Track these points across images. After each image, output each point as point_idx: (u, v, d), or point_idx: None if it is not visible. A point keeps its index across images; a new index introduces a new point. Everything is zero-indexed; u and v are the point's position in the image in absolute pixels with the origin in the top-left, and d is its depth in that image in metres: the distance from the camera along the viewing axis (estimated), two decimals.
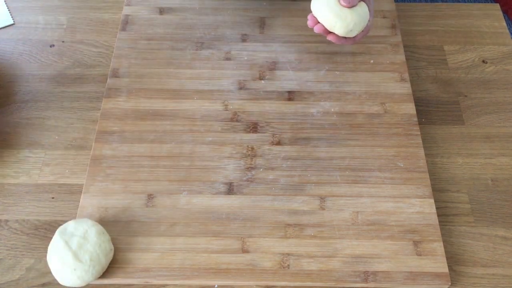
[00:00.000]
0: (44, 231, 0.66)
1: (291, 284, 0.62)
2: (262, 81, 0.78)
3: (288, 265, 0.62)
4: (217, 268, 0.62)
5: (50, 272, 0.62)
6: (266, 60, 0.80)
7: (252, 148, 0.71)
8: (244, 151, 0.71)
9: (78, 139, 0.74)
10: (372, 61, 0.80)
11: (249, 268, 0.62)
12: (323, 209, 0.66)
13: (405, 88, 0.77)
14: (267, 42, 0.82)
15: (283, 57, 0.81)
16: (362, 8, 0.69)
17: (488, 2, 1.17)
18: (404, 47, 0.83)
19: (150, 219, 0.65)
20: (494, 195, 0.70)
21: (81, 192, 0.67)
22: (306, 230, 0.65)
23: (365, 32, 0.72)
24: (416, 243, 0.64)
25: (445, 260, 0.62)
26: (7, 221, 0.67)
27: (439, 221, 0.66)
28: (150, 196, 0.67)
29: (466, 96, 0.80)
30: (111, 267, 0.61)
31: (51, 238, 0.62)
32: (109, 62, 0.82)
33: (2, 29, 0.86)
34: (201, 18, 0.85)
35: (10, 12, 0.88)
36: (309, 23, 0.71)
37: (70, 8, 0.89)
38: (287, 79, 0.78)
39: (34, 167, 0.71)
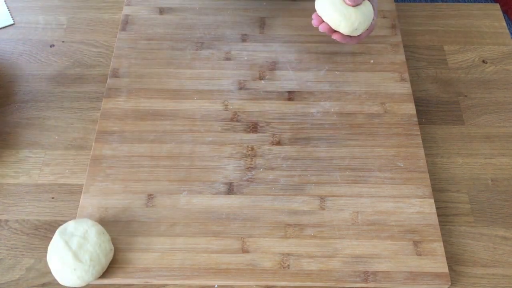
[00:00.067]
0: (44, 231, 0.66)
1: (291, 284, 0.62)
2: (262, 81, 0.78)
3: (288, 265, 0.62)
4: (217, 268, 0.62)
5: (50, 272, 0.62)
6: (266, 60, 0.80)
7: (252, 148, 0.71)
8: (244, 151, 0.71)
9: (78, 139, 0.74)
10: (372, 61, 0.80)
11: (249, 268, 0.62)
12: (323, 209, 0.66)
13: (405, 88, 0.77)
14: (267, 42, 0.82)
15: (283, 57, 0.81)
16: (367, 7, 0.69)
17: (488, 2, 1.17)
18: (404, 47, 0.83)
19: (150, 219, 0.65)
20: (494, 195, 0.70)
21: (81, 192, 0.67)
22: (306, 230, 0.65)
23: (369, 31, 0.72)
24: (416, 243, 0.64)
25: (445, 260, 0.62)
26: (7, 221, 0.67)
27: (439, 221, 0.66)
28: (150, 196, 0.67)
29: (466, 96, 0.80)
30: (111, 267, 0.61)
31: (51, 238, 0.62)
32: (109, 62, 0.82)
33: (2, 29, 0.86)
34: (201, 18, 0.85)
35: (10, 12, 0.88)
36: (314, 22, 0.70)
37: (70, 8, 0.89)
38: (287, 79, 0.78)
39: (34, 167, 0.71)
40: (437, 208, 0.67)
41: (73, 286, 0.60)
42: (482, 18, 0.89)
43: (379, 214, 0.66)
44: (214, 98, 0.76)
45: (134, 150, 0.71)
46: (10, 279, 0.63)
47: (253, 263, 0.62)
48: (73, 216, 0.67)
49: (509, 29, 1.10)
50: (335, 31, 0.70)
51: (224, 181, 0.68)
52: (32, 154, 0.73)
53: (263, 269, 0.62)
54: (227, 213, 0.66)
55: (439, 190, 0.70)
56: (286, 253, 0.63)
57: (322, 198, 0.67)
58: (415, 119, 0.74)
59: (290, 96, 0.76)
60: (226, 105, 0.75)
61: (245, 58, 0.81)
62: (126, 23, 0.84)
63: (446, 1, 1.18)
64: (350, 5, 0.68)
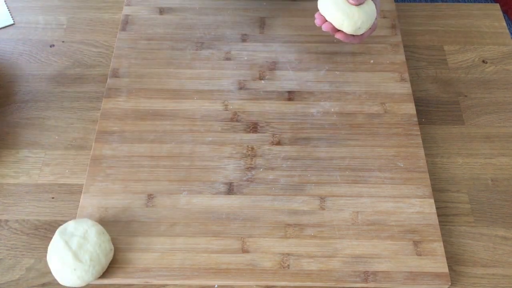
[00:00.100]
0: (44, 231, 0.66)
1: (291, 284, 0.62)
2: (262, 81, 0.78)
3: (288, 265, 0.62)
4: (217, 268, 0.62)
5: (50, 272, 0.62)
6: (266, 60, 0.80)
7: (252, 148, 0.71)
8: (244, 151, 0.71)
9: (78, 139, 0.74)
10: (372, 61, 0.80)
11: (249, 268, 0.62)
12: (323, 209, 0.66)
13: (405, 88, 0.77)
14: (267, 42, 0.82)
15: (283, 57, 0.81)
16: (369, 6, 0.69)
17: (488, 2, 1.17)
18: (404, 47, 0.83)
19: (150, 219, 0.65)
20: (494, 195, 0.70)
21: (81, 192, 0.67)
22: (306, 230, 0.65)
23: (372, 30, 0.72)
24: (416, 243, 0.64)
25: (445, 260, 0.62)
26: (7, 221, 0.67)
27: (439, 221, 0.66)
28: (150, 196, 0.67)
29: (466, 96, 0.80)
30: (111, 267, 0.61)
31: (51, 238, 0.62)
32: (109, 62, 0.82)
33: (2, 29, 0.86)
34: (201, 18, 0.85)
35: (10, 12, 0.88)
36: (317, 21, 0.70)
37: (70, 8, 0.89)
38: (287, 79, 0.78)
39: (34, 167, 0.71)
40: (437, 208, 0.67)
41: (73, 286, 0.60)
42: (482, 18, 0.89)
43: (379, 214, 0.66)
44: (214, 98, 0.76)
45: (134, 150, 0.71)
46: (10, 279, 0.63)
47: (253, 263, 0.62)
48: (73, 216, 0.67)
49: (509, 29, 1.10)
50: (338, 30, 0.70)
51: (224, 181, 0.68)
52: (32, 154, 0.73)
53: (263, 269, 0.62)
54: (227, 213, 0.66)
55: (439, 190, 0.70)
56: (286, 253, 0.63)
57: (322, 198, 0.67)
58: (415, 119, 0.74)
59: (290, 96, 0.76)
60: (226, 105, 0.75)
61: (245, 58, 0.81)
62: (126, 23, 0.84)
63: (446, 1, 1.18)
64: (353, 4, 0.68)
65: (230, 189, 0.68)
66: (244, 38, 0.83)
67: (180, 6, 0.87)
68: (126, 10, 0.86)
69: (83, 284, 0.60)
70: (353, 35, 0.70)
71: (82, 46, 0.84)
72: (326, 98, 0.76)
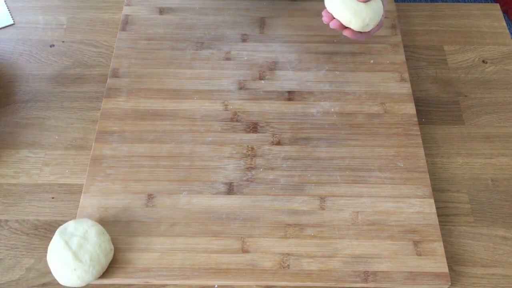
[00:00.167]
0: (44, 231, 0.66)
1: (291, 284, 0.62)
2: (262, 81, 0.78)
3: (288, 265, 0.62)
4: (217, 268, 0.62)
5: (50, 272, 0.62)
6: (266, 60, 0.80)
7: (252, 148, 0.71)
8: (244, 151, 0.71)
9: (78, 139, 0.74)
10: (372, 61, 0.80)
11: (249, 268, 0.62)
12: (323, 209, 0.66)
13: (405, 88, 0.77)
14: (267, 42, 0.82)
15: (283, 57, 0.81)
16: (376, 3, 0.69)
17: (488, 2, 1.17)
18: (404, 47, 0.83)
19: (150, 219, 0.65)
20: (494, 195, 0.70)
21: (81, 192, 0.67)
22: (306, 230, 0.65)
23: (379, 27, 0.71)
24: (416, 243, 0.64)
25: (445, 260, 0.62)
26: (7, 221, 0.67)
27: (439, 221, 0.66)
28: (150, 196, 0.67)
29: (466, 96, 0.80)
30: (111, 267, 0.61)
31: (51, 238, 0.62)
32: (109, 62, 0.82)
33: (2, 29, 0.86)
34: (201, 18, 0.85)
35: (10, 12, 0.88)
36: (324, 19, 0.70)
37: (70, 8, 0.89)
38: (287, 79, 0.78)
39: (34, 167, 0.71)
40: (437, 208, 0.67)
41: (73, 286, 0.60)
42: (482, 18, 0.89)
43: (379, 214, 0.66)
44: (214, 98, 0.76)
45: (134, 150, 0.71)
46: (10, 279, 0.63)
47: (253, 263, 0.62)
48: (73, 216, 0.67)
49: (509, 29, 1.10)
50: (346, 28, 0.70)
51: (224, 181, 0.68)
52: (32, 154, 0.73)
53: (263, 269, 0.62)
54: (227, 213, 0.66)
55: (439, 190, 0.70)
56: (286, 253, 0.63)
57: (322, 198, 0.67)
58: (415, 119, 0.74)
59: (290, 96, 0.76)
60: (226, 105, 0.75)
61: (245, 58, 0.81)
62: (126, 23, 0.84)
63: (446, 1, 1.18)
64: (361, 1, 0.67)
65: (230, 189, 0.68)
66: (244, 38, 0.83)
67: (180, 6, 0.87)
68: (126, 10, 0.86)
69: (83, 284, 0.60)
70: (360, 32, 0.70)
71: (82, 46, 0.84)
72: (326, 98, 0.76)
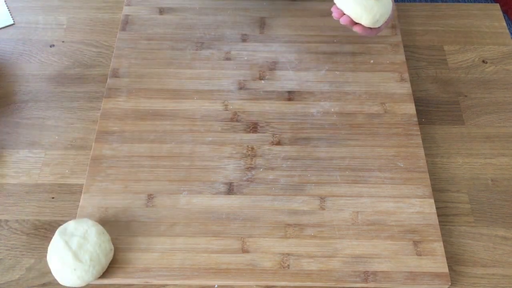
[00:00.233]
0: (44, 231, 0.66)
1: (291, 284, 0.62)
2: (262, 81, 0.78)
3: (288, 265, 0.62)
4: (217, 268, 0.62)
5: (50, 272, 0.62)
6: (266, 60, 0.80)
7: (252, 148, 0.71)
8: (244, 151, 0.71)
9: (78, 139, 0.74)
10: (372, 61, 0.80)
11: (249, 268, 0.62)
12: (323, 209, 0.66)
13: (405, 88, 0.77)
14: (267, 42, 0.82)
15: (283, 57, 0.81)
16: None
17: (488, 2, 1.17)
18: (404, 47, 0.83)
19: (150, 219, 0.65)
20: (494, 195, 0.70)
21: (81, 192, 0.67)
22: (306, 230, 0.65)
23: (387, 23, 0.71)
24: (416, 243, 0.64)
25: (445, 260, 0.62)
26: (7, 221, 0.67)
27: (439, 221, 0.66)
28: (150, 196, 0.67)
29: (466, 96, 0.80)
30: (111, 267, 0.61)
31: (51, 238, 0.62)
32: (109, 62, 0.82)
33: (2, 29, 0.86)
34: (201, 18, 0.85)
35: (10, 12, 0.88)
36: (334, 15, 0.70)
37: (70, 8, 0.89)
38: (287, 79, 0.78)
39: (34, 167, 0.71)
40: (437, 208, 0.67)
41: (73, 286, 0.60)
42: (482, 18, 0.89)
43: (379, 214, 0.66)
44: (214, 98, 0.76)
45: (134, 150, 0.71)
46: (10, 279, 0.63)
47: (253, 263, 0.62)
48: (73, 216, 0.67)
49: (509, 29, 1.10)
50: (356, 24, 0.70)
51: (224, 181, 0.68)
52: (32, 154, 0.73)
53: (263, 269, 0.62)
54: (227, 213, 0.66)
55: (439, 190, 0.70)
56: (286, 253, 0.63)
57: (322, 198, 0.67)
58: (415, 119, 0.74)
59: (290, 96, 0.76)
60: (226, 105, 0.75)
61: (245, 58, 0.81)
62: (126, 23, 0.84)
63: (446, 1, 1.18)
64: None
65: (230, 189, 0.68)
66: (244, 38, 0.83)
67: (180, 6, 0.87)
68: (126, 10, 0.86)
69: (83, 284, 0.60)
70: (370, 28, 0.70)
71: (82, 46, 0.84)
72: (326, 98, 0.76)
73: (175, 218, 0.65)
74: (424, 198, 0.67)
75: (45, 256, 0.63)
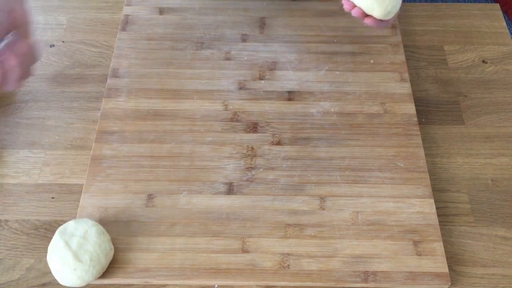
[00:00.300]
0: (44, 231, 0.66)
1: (291, 284, 0.62)
2: (262, 81, 0.78)
3: (288, 265, 0.62)
4: (217, 268, 0.62)
5: (50, 272, 0.62)
6: (266, 60, 0.80)
7: (252, 148, 0.71)
8: (244, 151, 0.71)
9: (78, 139, 0.74)
10: (372, 61, 0.80)
11: (249, 268, 0.62)
12: (323, 209, 0.66)
13: (405, 88, 0.77)
14: (267, 42, 0.82)
15: (283, 57, 0.81)
16: None
17: (488, 2, 1.17)
18: (404, 47, 0.83)
19: (150, 219, 0.65)
20: (494, 195, 0.70)
21: (81, 192, 0.67)
22: (306, 230, 0.65)
23: (396, 15, 0.71)
24: (416, 243, 0.64)
25: (445, 260, 0.62)
26: (7, 221, 0.67)
27: (439, 221, 0.66)
28: (150, 196, 0.67)
29: (466, 96, 0.80)
30: (111, 267, 0.61)
31: (51, 238, 0.62)
32: (109, 62, 0.82)
33: None
34: (201, 18, 0.85)
35: None
36: (346, 7, 0.70)
37: (70, 8, 0.89)
38: (287, 79, 0.78)
39: (34, 167, 0.71)
40: (437, 208, 0.67)
41: (73, 286, 0.60)
42: (482, 18, 0.89)
43: (379, 214, 0.66)
44: (214, 98, 0.76)
45: (134, 150, 0.71)
46: (10, 279, 0.63)
47: (253, 263, 0.62)
48: (73, 216, 0.67)
49: (509, 29, 1.10)
50: (367, 16, 0.70)
51: (224, 181, 0.68)
52: (32, 154, 0.73)
53: (263, 269, 0.62)
54: (227, 213, 0.66)
55: (439, 190, 0.70)
56: (286, 253, 0.63)
57: (322, 198, 0.67)
58: (415, 119, 0.74)
59: (290, 96, 0.76)
60: (226, 105, 0.75)
61: (245, 58, 0.81)
62: (126, 23, 0.84)
63: (446, 1, 1.18)
64: None
65: (230, 189, 0.68)
66: (244, 38, 0.83)
67: (180, 6, 0.87)
68: (126, 10, 0.86)
69: (83, 284, 0.60)
70: (381, 20, 0.70)
71: (82, 46, 0.84)
72: (326, 98, 0.76)
73: (175, 218, 0.65)
74: (424, 198, 0.67)
75: (45, 256, 0.63)
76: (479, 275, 0.64)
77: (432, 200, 0.67)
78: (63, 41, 0.85)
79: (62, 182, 0.70)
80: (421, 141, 0.72)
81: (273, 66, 0.80)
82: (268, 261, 0.62)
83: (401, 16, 0.89)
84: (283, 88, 0.77)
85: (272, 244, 0.64)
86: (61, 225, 0.62)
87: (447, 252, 0.65)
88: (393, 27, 0.84)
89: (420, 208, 0.66)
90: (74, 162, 0.72)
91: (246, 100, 0.76)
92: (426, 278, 0.61)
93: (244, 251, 0.63)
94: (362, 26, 0.84)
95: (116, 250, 0.63)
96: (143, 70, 0.79)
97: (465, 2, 1.16)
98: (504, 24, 0.88)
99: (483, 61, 0.84)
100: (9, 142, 0.74)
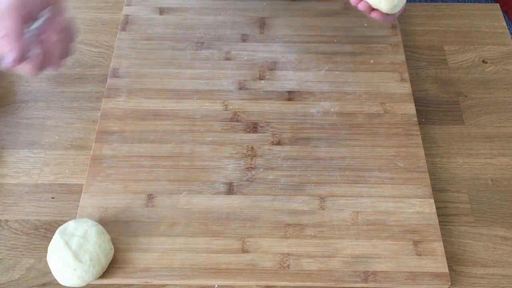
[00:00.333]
0: (44, 231, 0.66)
1: (291, 284, 0.62)
2: (262, 81, 0.78)
3: (288, 265, 0.62)
4: (217, 268, 0.62)
5: (50, 272, 0.62)
6: (266, 60, 0.80)
7: (252, 148, 0.71)
8: (244, 151, 0.71)
9: (78, 139, 0.74)
10: (372, 61, 0.80)
11: (249, 268, 0.62)
12: (323, 209, 0.66)
13: (405, 88, 0.77)
14: (267, 42, 0.82)
15: (283, 57, 0.81)
16: None
17: (488, 2, 1.17)
18: (404, 47, 0.83)
19: (150, 219, 0.65)
20: (494, 195, 0.70)
21: (81, 192, 0.67)
22: (306, 230, 0.65)
23: (402, 9, 0.71)
24: (416, 243, 0.64)
25: (445, 260, 0.62)
26: (7, 221, 0.67)
27: (439, 221, 0.66)
28: (150, 196, 0.67)
29: (466, 96, 0.80)
30: (111, 267, 0.61)
31: (51, 238, 0.62)
32: (109, 62, 0.81)
33: None
34: (201, 18, 0.85)
35: None
36: (353, 0, 0.70)
37: (70, 8, 0.89)
38: (287, 79, 0.78)
39: (34, 167, 0.71)
40: (437, 208, 0.67)
41: (73, 286, 0.60)
42: (482, 18, 0.89)
43: (379, 214, 0.66)
44: (214, 98, 0.76)
45: (134, 150, 0.71)
46: (10, 279, 0.63)
47: (253, 263, 0.62)
48: (73, 216, 0.67)
49: (509, 29, 1.10)
50: (374, 10, 0.69)
51: (224, 181, 0.68)
52: (32, 154, 0.73)
53: (263, 269, 0.62)
54: (227, 213, 0.66)
55: (439, 190, 0.70)
56: (286, 253, 0.63)
57: (322, 198, 0.67)
58: (415, 119, 0.74)
59: (290, 96, 0.76)
60: (226, 105, 0.75)
61: (245, 58, 0.81)
62: (126, 23, 0.84)
63: (446, 1, 1.18)
64: None
65: (230, 189, 0.68)
66: (244, 38, 0.83)
67: (180, 6, 0.87)
68: (126, 10, 0.86)
69: (83, 284, 0.60)
70: (387, 14, 0.70)
71: (82, 46, 0.84)
72: (326, 98, 0.76)
73: (175, 218, 0.65)
74: (424, 198, 0.67)
75: (45, 256, 0.63)
76: (479, 275, 0.64)
77: (432, 200, 0.67)
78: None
79: (62, 182, 0.70)
80: (421, 141, 0.72)
81: (273, 66, 0.80)
82: (268, 261, 0.62)
83: (401, 16, 0.88)
84: (283, 88, 0.77)
85: (272, 244, 0.64)
86: (61, 225, 0.62)
87: (447, 252, 0.65)
88: (393, 27, 0.84)
89: (420, 208, 0.66)
90: (74, 162, 0.72)
91: (246, 100, 0.76)
92: (426, 278, 0.61)
93: (244, 251, 0.63)
94: (362, 26, 0.84)
95: (116, 250, 0.63)
96: (143, 70, 0.79)
97: (465, 2, 1.16)
98: (504, 24, 0.88)
99: (483, 61, 0.84)
100: (9, 142, 0.74)
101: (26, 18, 0.54)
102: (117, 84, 0.77)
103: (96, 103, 0.78)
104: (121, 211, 0.66)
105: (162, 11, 0.86)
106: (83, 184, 0.68)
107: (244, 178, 0.69)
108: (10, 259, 0.64)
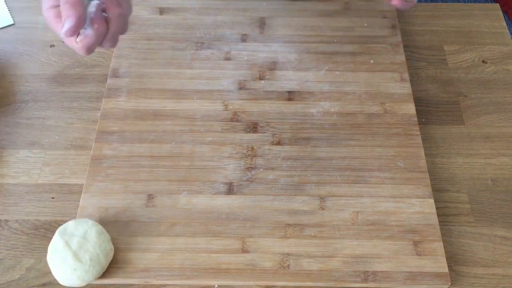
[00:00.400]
0: (44, 231, 0.66)
1: (291, 284, 0.62)
2: (262, 81, 0.78)
3: (288, 265, 0.62)
4: (217, 268, 0.62)
5: (50, 272, 0.62)
6: (266, 60, 0.80)
7: (252, 148, 0.71)
8: (244, 151, 0.71)
9: (78, 139, 0.74)
10: (372, 61, 0.80)
11: (249, 268, 0.62)
12: (323, 209, 0.66)
13: (405, 88, 0.77)
14: (267, 42, 0.82)
15: (283, 57, 0.81)
16: None
17: (488, 2, 1.17)
18: (404, 47, 0.83)
19: (150, 219, 0.65)
20: (494, 195, 0.70)
21: (81, 192, 0.67)
22: (306, 230, 0.65)
23: None
24: (416, 243, 0.64)
25: (445, 260, 0.62)
26: (7, 221, 0.67)
27: (439, 221, 0.66)
28: (150, 196, 0.67)
29: (466, 96, 0.80)
30: (111, 267, 0.61)
31: (51, 238, 0.62)
32: (109, 62, 0.81)
33: (2, 29, 0.86)
34: (201, 18, 0.85)
35: (10, 12, 0.88)
36: None
37: None
38: (287, 79, 0.78)
39: (34, 167, 0.71)
40: (437, 208, 0.67)
41: (73, 286, 0.60)
42: (482, 18, 0.89)
43: (379, 214, 0.66)
44: (214, 98, 0.76)
45: (134, 150, 0.71)
46: (10, 279, 0.63)
47: (253, 263, 0.62)
48: (73, 216, 0.67)
49: (509, 29, 1.10)
50: None
51: (224, 181, 0.68)
52: (32, 154, 0.73)
53: (263, 269, 0.62)
54: (227, 213, 0.66)
55: (439, 190, 0.70)
56: (286, 253, 0.63)
57: (322, 198, 0.67)
58: (415, 119, 0.74)
59: (290, 96, 0.76)
60: (226, 105, 0.75)
61: (245, 58, 0.81)
62: None
63: (446, 1, 1.18)
64: None
65: (230, 189, 0.68)
66: (244, 38, 0.83)
67: (180, 6, 0.87)
68: None
69: (83, 284, 0.60)
70: (407, 1, 0.70)
71: None
72: (326, 98, 0.76)
73: (175, 218, 0.65)
74: (424, 198, 0.67)
75: (45, 256, 0.63)
76: (479, 275, 0.64)
77: (432, 200, 0.67)
78: (63, 41, 0.85)
79: (62, 182, 0.70)
80: (421, 141, 0.72)
81: (273, 66, 0.80)
82: (268, 261, 0.62)
83: (401, 16, 0.89)
84: (283, 88, 0.77)
85: (272, 244, 0.64)
86: (61, 225, 0.62)
87: (447, 252, 0.65)
88: (393, 27, 0.84)
89: (420, 208, 0.66)
90: (74, 162, 0.72)
91: (246, 100, 0.76)
92: (426, 278, 0.61)
93: (244, 251, 0.63)
94: (362, 26, 0.84)
95: (116, 250, 0.63)
96: (143, 70, 0.79)
97: (465, 2, 1.16)
98: (504, 24, 0.88)
99: (483, 61, 0.84)
100: (9, 142, 0.74)
101: None
102: (117, 84, 0.77)
103: (96, 103, 0.78)
104: (121, 211, 0.66)
105: (162, 11, 0.86)
106: (83, 184, 0.68)
107: (244, 178, 0.69)
108: (10, 259, 0.64)
